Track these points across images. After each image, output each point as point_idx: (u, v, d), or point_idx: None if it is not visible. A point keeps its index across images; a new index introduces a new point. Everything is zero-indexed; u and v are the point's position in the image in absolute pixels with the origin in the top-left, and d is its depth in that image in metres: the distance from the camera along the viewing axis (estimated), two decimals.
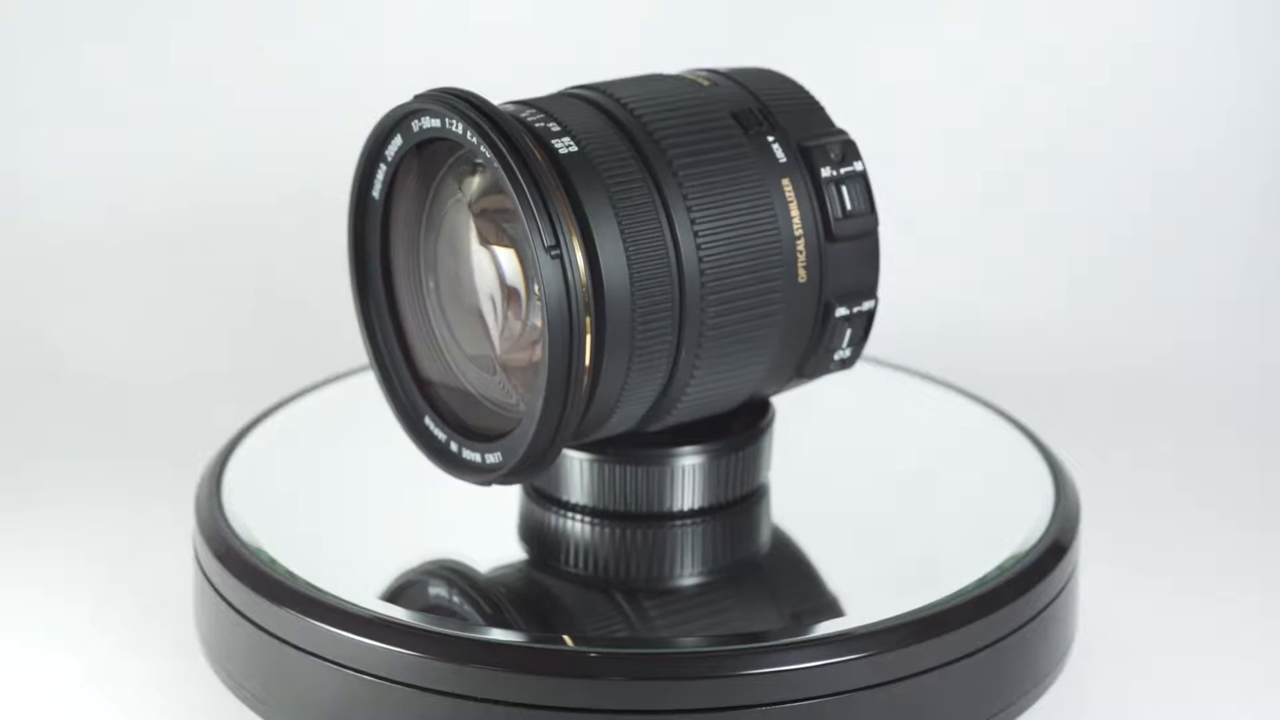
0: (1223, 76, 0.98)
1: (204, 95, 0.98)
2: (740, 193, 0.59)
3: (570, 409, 0.57)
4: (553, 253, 0.56)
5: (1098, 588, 0.69)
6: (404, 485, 0.67)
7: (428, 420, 0.62)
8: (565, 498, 0.63)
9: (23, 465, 0.81)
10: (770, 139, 0.60)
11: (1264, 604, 0.71)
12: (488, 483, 0.61)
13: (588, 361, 0.57)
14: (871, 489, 0.68)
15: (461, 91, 0.59)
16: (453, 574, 0.63)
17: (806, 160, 0.60)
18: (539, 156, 0.57)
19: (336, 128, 0.81)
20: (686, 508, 0.63)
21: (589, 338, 0.57)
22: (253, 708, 0.61)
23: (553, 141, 0.58)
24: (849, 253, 0.61)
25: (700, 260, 0.58)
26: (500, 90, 0.63)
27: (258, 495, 0.65)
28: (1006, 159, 0.98)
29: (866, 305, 0.61)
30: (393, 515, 0.66)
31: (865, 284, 0.61)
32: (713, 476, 0.63)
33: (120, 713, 0.64)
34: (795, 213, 0.60)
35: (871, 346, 0.77)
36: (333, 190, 0.92)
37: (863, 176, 0.61)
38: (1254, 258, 0.96)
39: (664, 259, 0.58)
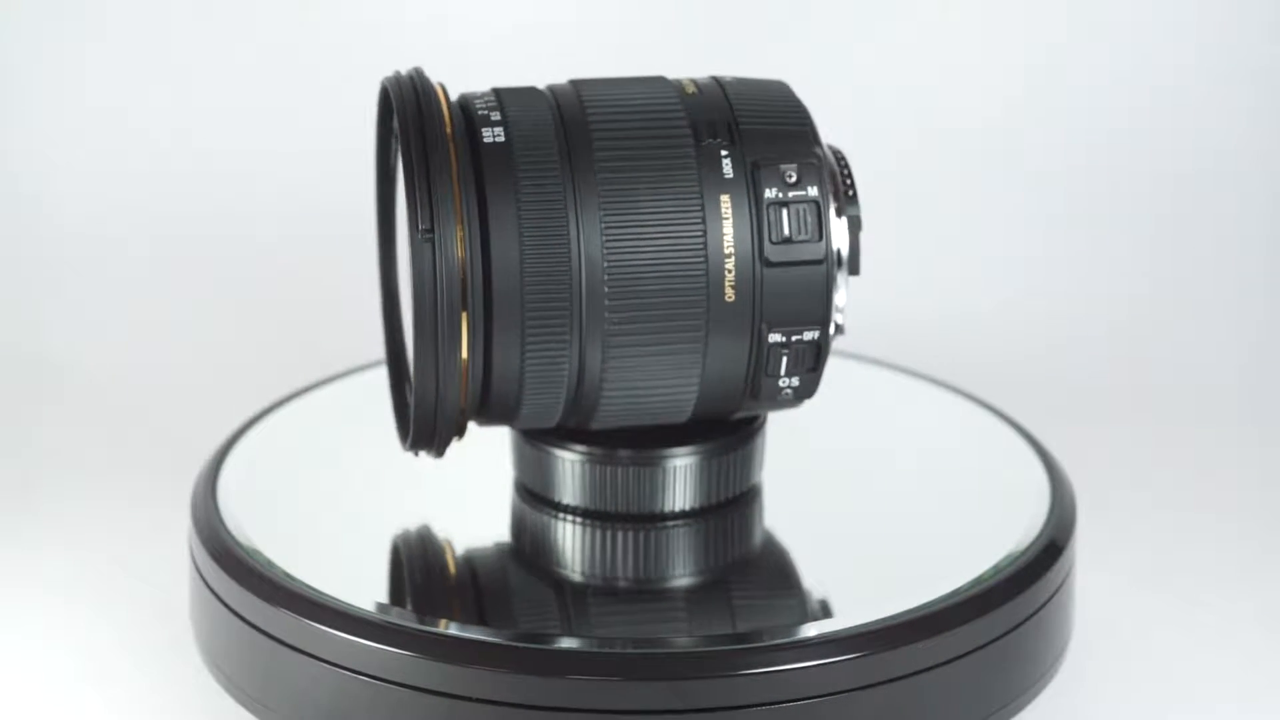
0: (1221, 76, 0.98)
1: (204, 96, 0.98)
2: (665, 202, 0.58)
3: (446, 384, 0.58)
4: (425, 235, 0.57)
5: (1095, 587, 0.69)
6: (398, 486, 0.67)
7: (406, 387, 0.63)
8: (557, 498, 0.63)
9: (22, 466, 0.81)
10: (724, 153, 0.59)
11: (1263, 604, 0.71)
12: (414, 451, 0.61)
13: (465, 343, 0.58)
14: (866, 489, 0.68)
15: (417, 72, 0.60)
16: (429, 572, 0.64)
17: (754, 179, 0.59)
18: (450, 142, 0.58)
19: (338, 128, 0.81)
20: (678, 509, 0.63)
21: (465, 320, 0.57)
22: (248, 707, 0.61)
23: (483, 130, 0.59)
24: (787, 279, 0.59)
25: (605, 261, 0.58)
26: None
27: (253, 496, 0.66)
28: (1006, 159, 0.98)
29: (809, 335, 0.59)
30: (387, 516, 0.66)
31: (806, 313, 0.59)
32: (704, 477, 0.63)
33: (116, 713, 0.64)
34: (729, 230, 0.58)
35: (867, 345, 0.77)
36: (333, 193, 0.92)
37: (815, 204, 0.59)
38: (1255, 257, 0.96)
39: (563, 255, 0.58)
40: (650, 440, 0.62)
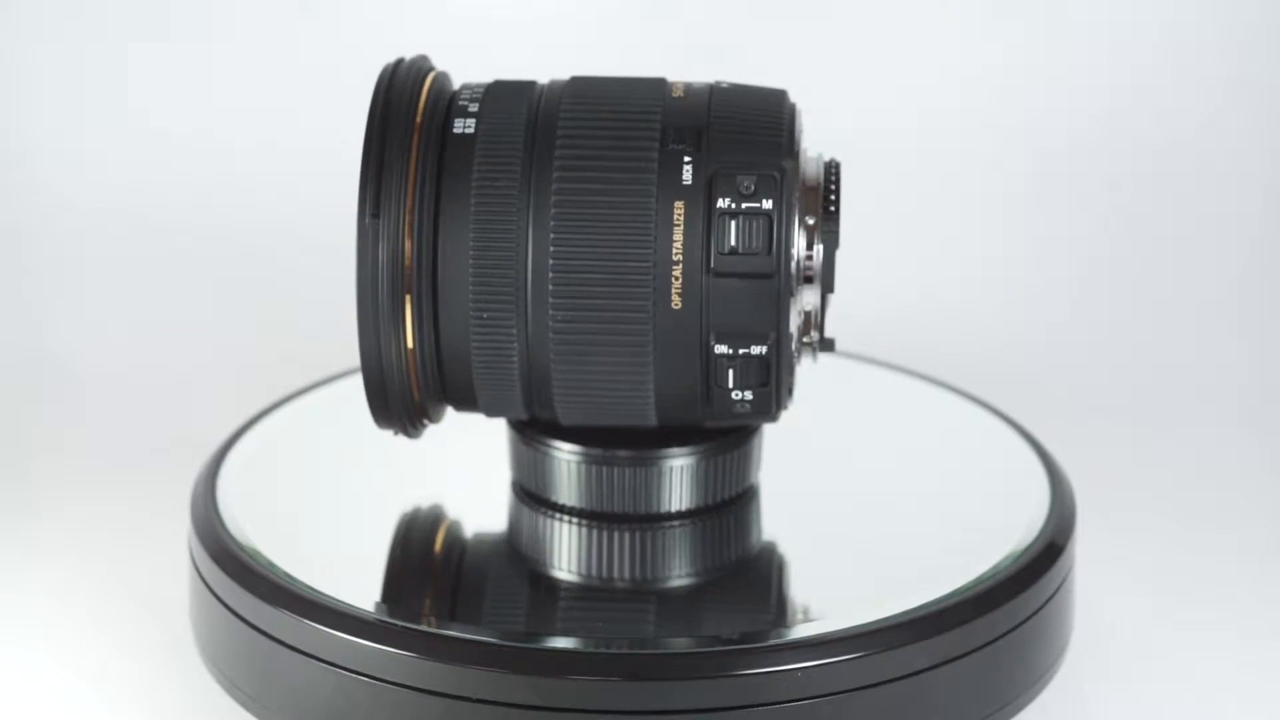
0: (1222, 76, 0.98)
1: (204, 95, 0.98)
2: (617, 205, 0.58)
3: (390, 364, 0.59)
4: (371, 219, 0.58)
5: (1094, 587, 0.69)
6: (398, 487, 0.67)
7: None
8: (554, 498, 0.63)
9: (22, 466, 0.81)
10: (686, 160, 0.59)
11: (1262, 603, 0.71)
12: (391, 431, 0.62)
13: (409, 328, 0.59)
14: (866, 489, 0.68)
15: (413, 59, 0.60)
16: (428, 572, 0.64)
17: (709, 188, 0.58)
18: (417, 131, 0.59)
19: (345, 126, 0.81)
20: (675, 509, 0.63)
21: (410, 304, 0.58)
22: (247, 707, 0.61)
23: (456, 120, 0.59)
24: (734, 290, 0.58)
25: (551, 258, 0.58)
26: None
27: (253, 496, 0.66)
28: (1005, 159, 0.98)
29: (756, 350, 0.59)
30: (386, 516, 0.66)
31: (754, 327, 0.58)
32: (702, 478, 0.63)
33: (115, 713, 0.64)
34: (679, 237, 0.58)
35: (867, 345, 0.77)
36: (334, 192, 0.92)
37: (767, 216, 0.58)
38: (1254, 255, 0.96)
39: (509, 249, 0.58)
40: (647, 440, 0.62)
